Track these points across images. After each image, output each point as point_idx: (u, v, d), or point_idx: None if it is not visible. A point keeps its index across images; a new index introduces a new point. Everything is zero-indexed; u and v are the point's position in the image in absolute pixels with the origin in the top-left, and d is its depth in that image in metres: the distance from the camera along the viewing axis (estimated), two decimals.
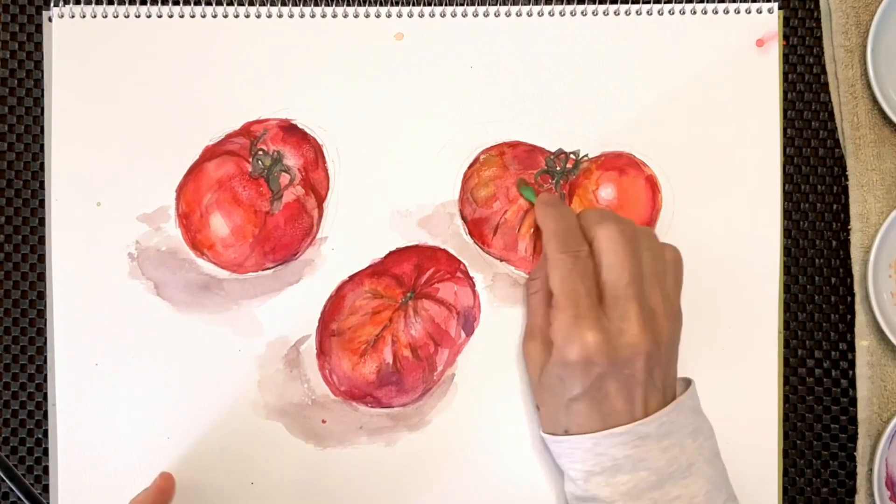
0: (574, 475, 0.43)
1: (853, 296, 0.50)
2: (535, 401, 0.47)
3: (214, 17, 0.49)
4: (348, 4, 0.50)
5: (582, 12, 0.50)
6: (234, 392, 0.48)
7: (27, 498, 0.38)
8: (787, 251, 0.50)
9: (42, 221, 0.49)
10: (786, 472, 0.50)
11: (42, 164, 0.49)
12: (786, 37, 0.51)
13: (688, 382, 0.45)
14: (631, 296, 0.42)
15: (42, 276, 0.49)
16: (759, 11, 0.50)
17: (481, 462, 0.49)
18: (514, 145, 0.50)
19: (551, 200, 0.47)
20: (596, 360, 0.41)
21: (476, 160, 0.49)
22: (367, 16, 0.49)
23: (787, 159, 0.51)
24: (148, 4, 0.49)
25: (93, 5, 0.49)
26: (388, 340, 0.48)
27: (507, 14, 0.50)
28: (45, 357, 0.49)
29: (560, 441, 0.44)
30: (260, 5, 0.50)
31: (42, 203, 0.49)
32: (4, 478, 0.38)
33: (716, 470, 0.43)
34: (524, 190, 0.48)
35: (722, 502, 0.42)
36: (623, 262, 0.42)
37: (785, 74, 0.50)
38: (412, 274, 0.49)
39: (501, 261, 0.49)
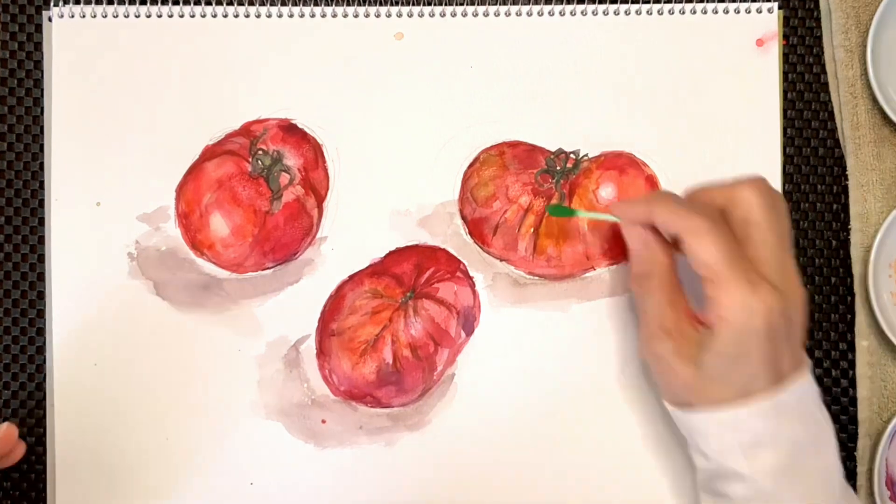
0: (710, 452, 0.40)
1: (853, 296, 0.50)
2: (682, 401, 0.42)
3: (214, 17, 0.49)
4: (348, 4, 0.50)
5: (582, 12, 0.50)
6: (233, 392, 0.48)
7: None
8: None
9: (42, 221, 0.49)
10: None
11: (42, 164, 0.49)
12: (786, 37, 0.51)
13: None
14: (787, 251, 0.40)
15: (42, 276, 0.49)
16: (759, 11, 0.50)
17: (481, 462, 0.49)
18: (514, 145, 0.50)
19: (626, 199, 0.47)
20: (777, 324, 0.38)
21: (476, 160, 0.49)
22: (367, 16, 0.49)
23: (787, 159, 0.51)
24: (148, 4, 0.50)
25: (93, 5, 0.49)
26: (387, 340, 0.48)
27: (507, 14, 0.50)
28: (45, 357, 0.49)
29: (695, 417, 0.41)
30: (260, 5, 0.50)
31: (42, 203, 0.49)
32: None
33: (836, 437, 0.41)
34: (556, 210, 0.48)
35: (842, 469, 0.41)
36: (778, 217, 0.40)
37: (785, 74, 0.50)
38: (412, 274, 0.49)
39: (501, 261, 0.49)
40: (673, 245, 0.42)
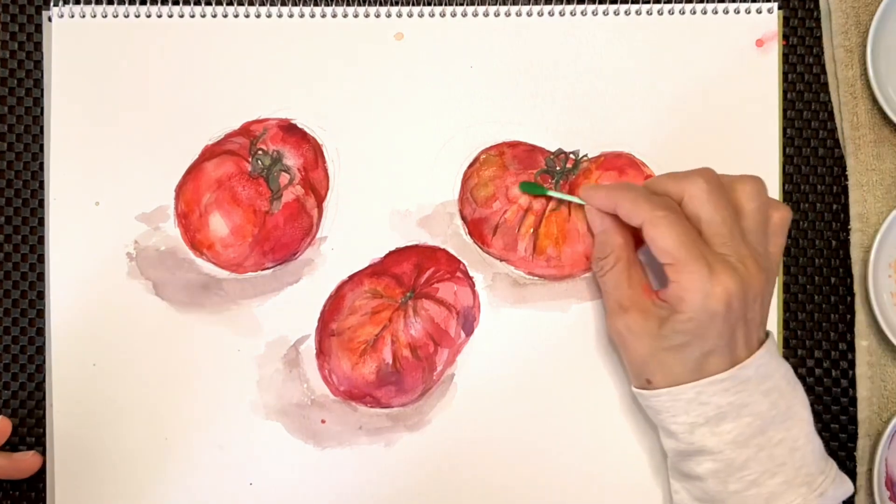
0: (677, 429, 0.43)
1: (853, 296, 0.50)
2: (643, 375, 0.44)
3: (214, 17, 0.49)
4: (348, 4, 0.50)
5: (582, 12, 0.50)
6: (233, 392, 0.48)
7: None
8: (787, 251, 0.50)
9: (42, 221, 0.49)
10: None
11: (42, 164, 0.49)
12: (786, 37, 0.51)
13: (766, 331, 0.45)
14: (738, 238, 0.42)
15: (42, 276, 0.49)
16: (759, 11, 0.50)
17: (480, 462, 0.49)
18: (514, 145, 0.50)
19: (594, 185, 0.48)
20: (734, 305, 0.40)
21: (476, 160, 0.49)
22: (367, 16, 0.49)
23: (787, 159, 0.51)
24: (148, 4, 0.50)
25: (93, 5, 0.49)
26: (387, 340, 0.48)
27: (507, 14, 0.50)
28: (45, 357, 0.49)
29: (659, 395, 0.43)
30: (260, 5, 0.50)
31: (42, 203, 0.49)
32: None
33: (810, 414, 0.43)
34: (528, 187, 0.48)
35: (820, 446, 0.43)
36: (724, 207, 0.42)
37: (785, 74, 0.50)
38: (412, 274, 0.49)
39: (501, 261, 0.49)
40: (632, 231, 0.45)
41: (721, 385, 0.41)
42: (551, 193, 0.48)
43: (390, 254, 0.49)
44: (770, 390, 0.42)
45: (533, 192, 0.48)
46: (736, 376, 0.41)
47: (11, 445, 0.49)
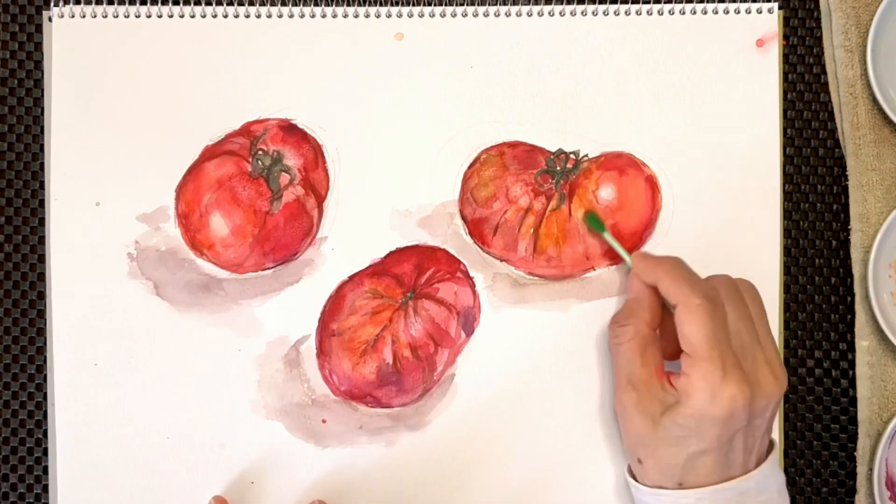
0: None
1: (853, 296, 0.50)
2: (636, 454, 0.44)
3: (214, 17, 0.49)
4: (348, 4, 0.50)
5: (582, 12, 0.50)
6: (234, 392, 0.48)
7: None
8: (787, 251, 0.50)
9: (42, 221, 0.49)
10: (786, 472, 0.50)
11: (42, 164, 0.49)
12: (786, 37, 0.51)
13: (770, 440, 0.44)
14: (757, 342, 0.42)
15: (42, 276, 0.49)
16: (759, 11, 0.50)
17: (480, 462, 0.49)
18: (514, 145, 0.50)
19: (646, 253, 0.47)
20: (738, 415, 0.40)
21: (476, 160, 0.49)
22: (367, 16, 0.49)
23: (787, 159, 0.51)
24: (148, 4, 0.50)
25: (93, 5, 0.49)
26: (387, 340, 0.48)
27: (507, 14, 0.50)
28: (45, 357, 0.49)
29: (658, 494, 0.42)
30: (260, 5, 0.50)
31: (42, 203, 0.49)
32: None
33: None
34: (592, 219, 0.48)
35: None
36: (744, 308, 0.42)
37: (785, 74, 0.50)
38: (412, 274, 0.49)
39: (501, 261, 0.49)
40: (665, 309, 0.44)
41: (723, 494, 0.41)
42: (607, 237, 0.47)
43: (390, 254, 0.49)
44: (766, 501, 0.42)
45: (594, 227, 0.48)
46: (737, 487, 0.41)
47: (12, 447, 0.49)
